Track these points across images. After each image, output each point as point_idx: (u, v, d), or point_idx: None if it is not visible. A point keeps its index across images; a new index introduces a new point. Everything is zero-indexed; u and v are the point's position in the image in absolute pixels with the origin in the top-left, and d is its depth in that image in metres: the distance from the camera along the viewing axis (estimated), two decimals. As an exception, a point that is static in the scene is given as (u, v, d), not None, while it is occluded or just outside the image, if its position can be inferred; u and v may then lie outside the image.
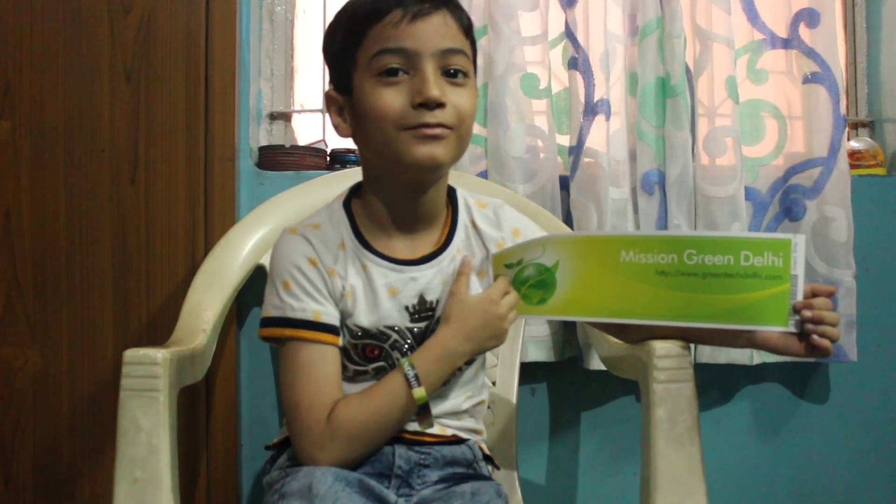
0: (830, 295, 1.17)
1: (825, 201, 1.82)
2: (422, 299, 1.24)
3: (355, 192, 1.29)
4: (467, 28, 1.20)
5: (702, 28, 1.82)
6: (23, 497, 1.70)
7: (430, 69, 1.13)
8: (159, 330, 1.69)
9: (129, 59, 1.72)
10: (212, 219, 1.73)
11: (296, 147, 1.91)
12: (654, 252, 1.19)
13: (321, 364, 1.19)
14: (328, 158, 1.92)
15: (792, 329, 1.16)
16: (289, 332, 1.19)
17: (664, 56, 1.81)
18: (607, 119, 1.78)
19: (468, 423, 1.30)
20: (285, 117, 2.02)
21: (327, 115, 2.00)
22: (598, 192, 1.76)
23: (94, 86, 1.72)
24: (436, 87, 1.12)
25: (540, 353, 1.78)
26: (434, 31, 1.14)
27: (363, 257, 1.23)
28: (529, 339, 1.76)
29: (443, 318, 1.21)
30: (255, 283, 1.70)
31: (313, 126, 2.05)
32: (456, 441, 1.27)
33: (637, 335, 1.29)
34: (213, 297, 1.59)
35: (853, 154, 1.93)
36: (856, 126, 2.07)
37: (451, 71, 1.15)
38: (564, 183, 1.83)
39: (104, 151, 1.72)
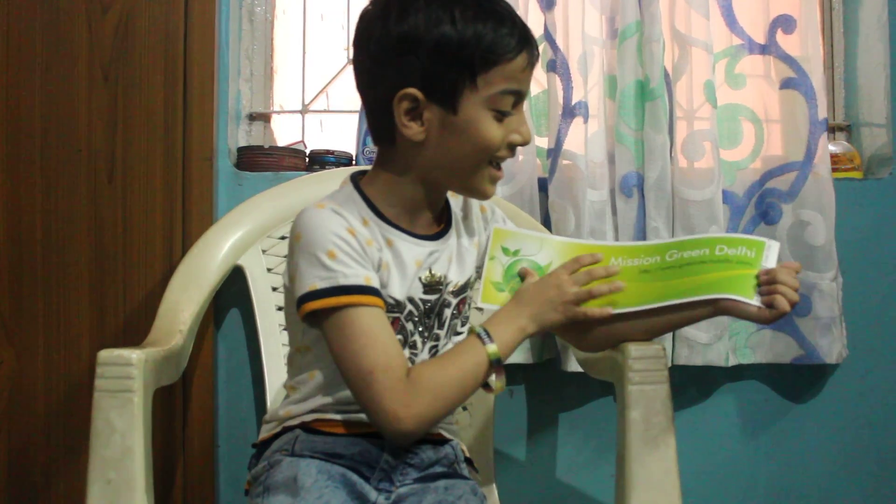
0: (797, 271, 1.21)
1: (801, 205, 1.83)
2: (431, 272, 1.25)
3: (358, 179, 1.29)
4: None
5: (681, 33, 1.83)
6: (-3, 499, 1.69)
7: (523, 114, 1.22)
8: (136, 330, 1.68)
9: (107, 58, 1.72)
10: (189, 219, 1.73)
11: (275, 148, 1.91)
12: (640, 257, 1.26)
13: (384, 327, 1.16)
14: (307, 159, 1.92)
15: (757, 302, 1.18)
16: (345, 299, 1.15)
17: (643, 60, 1.81)
18: (585, 121, 1.78)
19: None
20: (264, 118, 2.02)
21: (305, 116, 2.00)
22: (576, 194, 1.76)
23: (72, 85, 1.71)
24: (528, 126, 1.23)
25: (518, 354, 1.77)
26: (531, 79, 1.24)
27: (388, 233, 1.23)
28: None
29: (516, 295, 1.25)
30: (233, 284, 1.70)
31: (292, 127, 2.05)
32: (441, 441, 1.28)
33: (595, 343, 1.33)
34: (191, 298, 1.59)
35: (830, 158, 1.94)
36: (833, 130, 2.08)
37: None
38: (543, 185, 1.83)
39: (81, 151, 1.71)
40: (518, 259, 1.27)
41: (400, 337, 1.23)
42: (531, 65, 1.20)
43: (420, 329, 1.25)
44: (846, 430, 1.94)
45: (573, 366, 1.74)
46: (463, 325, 1.33)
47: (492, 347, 1.17)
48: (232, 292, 1.76)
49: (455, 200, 1.34)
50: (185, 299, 1.58)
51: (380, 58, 1.19)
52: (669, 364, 1.76)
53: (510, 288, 1.27)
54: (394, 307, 1.22)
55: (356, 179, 1.28)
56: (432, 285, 1.25)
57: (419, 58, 1.15)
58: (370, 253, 1.19)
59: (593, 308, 1.23)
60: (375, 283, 1.18)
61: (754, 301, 1.18)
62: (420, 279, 1.24)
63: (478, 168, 1.21)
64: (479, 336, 1.18)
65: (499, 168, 1.23)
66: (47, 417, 1.70)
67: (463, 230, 1.33)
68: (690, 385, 1.90)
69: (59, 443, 1.70)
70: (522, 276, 1.28)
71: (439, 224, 1.29)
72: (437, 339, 1.28)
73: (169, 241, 1.72)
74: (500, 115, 1.18)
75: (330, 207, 1.21)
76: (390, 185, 1.25)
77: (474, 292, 1.32)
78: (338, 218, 1.19)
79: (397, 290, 1.22)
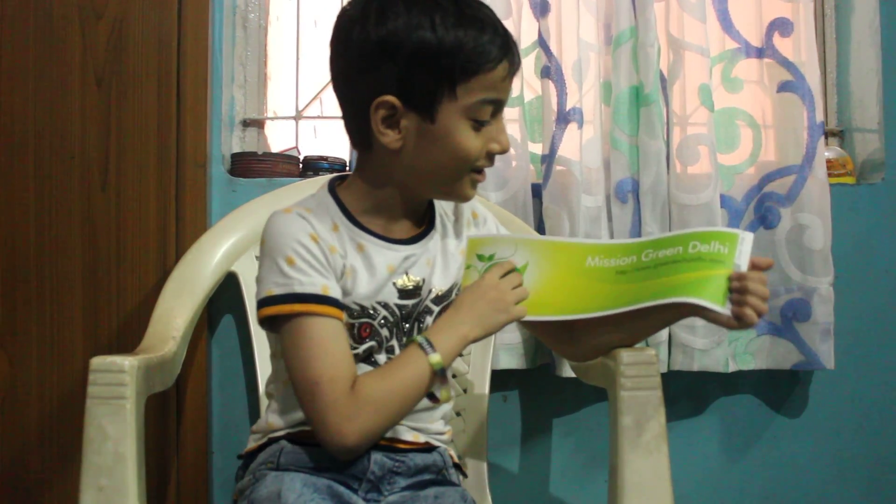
0: (768, 267, 1.18)
1: (799, 209, 1.83)
2: (408, 276, 1.25)
3: (335, 183, 1.29)
4: None
5: (675, 38, 1.83)
6: (-10, 505, 1.69)
7: (502, 122, 1.22)
8: (130, 337, 1.68)
9: (101, 64, 1.71)
10: (183, 226, 1.73)
11: (268, 154, 1.91)
12: (616, 257, 1.24)
13: (336, 338, 1.16)
14: (301, 165, 1.92)
15: (727, 311, 1.16)
16: (298, 307, 1.15)
17: (638, 65, 1.82)
18: (580, 127, 1.79)
19: (437, 425, 1.30)
20: (258, 124, 2.02)
21: (299, 123, 2.00)
22: (571, 200, 1.76)
23: (65, 91, 1.71)
24: (506, 135, 1.22)
25: (511, 360, 1.78)
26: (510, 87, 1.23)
27: (359, 237, 1.23)
28: (501, 346, 1.76)
29: (453, 303, 1.23)
30: (227, 291, 1.70)
31: (286, 133, 2.05)
32: (428, 449, 1.27)
33: (583, 352, 1.34)
34: (184, 304, 1.59)
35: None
36: (826, 135, 2.09)
37: None
38: (537, 191, 1.83)
39: (74, 158, 1.71)
40: (493, 263, 1.26)
41: (373, 342, 1.23)
42: (512, 74, 1.20)
43: (397, 334, 1.25)
44: (840, 436, 1.94)
45: (566, 371, 1.74)
46: None
47: (434, 357, 1.15)
48: (225, 299, 1.76)
49: (446, 203, 1.34)
50: (178, 306, 1.58)
51: (358, 63, 1.18)
52: (665, 370, 1.78)
53: None
54: (360, 313, 1.22)
55: (333, 184, 1.28)
56: (409, 290, 1.25)
57: (397, 64, 1.15)
58: (332, 260, 1.19)
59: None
60: (334, 293, 1.18)
61: (724, 309, 1.15)
62: (395, 284, 1.24)
63: (458, 176, 1.21)
64: (420, 346, 1.16)
65: (480, 172, 1.23)
66: (40, 424, 1.69)
67: (451, 233, 1.32)
68: (684, 392, 1.90)
69: (52, 449, 1.69)
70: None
71: (420, 227, 1.29)
72: None
73: (162, 248, 1.72)
74: (478, 125, 1.18)
75: (296, 212, 1.21)
76: (366, 191, 1.25)
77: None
78: (302, 223, 1.19)
79: (364, 296, 1.22)
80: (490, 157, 1.22)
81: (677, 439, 1.27)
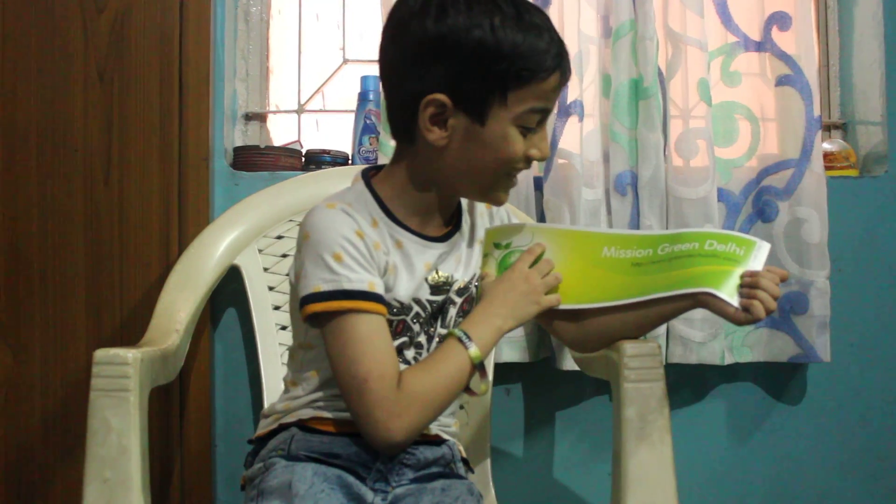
0: (783, 279, 1.19)
1: (797, 203, 1.83)
2: (439, 274, 1.26)
3: (369, 177, 1.28)
4: None
5: (674, 31, 1.83)
6: (-6, 499, 1.70)
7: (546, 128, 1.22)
8: (133, 330, 1.68)
9: (103, 58, 1.72)
10: (186, 219, 1.73)
11: (271, 148, 1.91)
12: (633, 248, 1.25)
13: (382, 335, 1.16)
14: (303, 159, 1.92)
15: (735, 303, 1.17)
16: (347, 304, 1.14)
17: (637, 58, 1.82)
18: (580, 120, 1.79)
19: (447, 419, 1.31)
20: (260, 118, 2.02)
21: (301, 116, 2.00)
22: (572, 193, 1.77)
23: (67, 85, 1.71)
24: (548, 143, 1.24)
25: (514, 353, 1.78)
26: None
27: (397, 234, 1.23)
28: (504, 339, 1.75)
29: (484, 295, 1.25)
30: (230, 284, 1.70)
31: (288, 127, 2.05)
32: (437, 441, 1.27)
33: (589, 343, 1.35)
34: (187, 298, 1.59)
35: (826, 156, 1.94)
36: (828, 128, 2.09)
37: None
38: (538, 184, 1.84)
39: (77, 151, 1.71)
40: (511, 251, 1.27)
41: (405, 338, 1.23)
42: (563, 83, 1.20)
43: (425, 328, 1.25)
44: (842, 429, 1.94)
45: (569, 364, 1.74)
46: None
47: (474, 350, 1.17)
48: (228, 292, 1.76)
49: (463, 200, 1.34)
50: (181, 299, 1.58)
51: (412, 56, 1.17)
52: (665, 362, 1.78)
53: None
54: (399, 310, 1.22)
55: (367, 177, 1.27)
56: (440, 286, 1.25)
57: (452, 63, 1.13)
58: (377, 257, 1.19)
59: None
60: (379, 290, 1.17)
61: (733, 301, 1.17)
62: (427, 281, 1.24)
63: (495, 178, 1.21)
64: (459, 340, 1.18)
65: (513, 177, 1.24)
66: (44, 417, 1.70)
67: (468, 230, 1.33)
68: (684, 384, 1.91)
69: (56, 442, 1.70)
70: (481, 277, 1.29)
71: (448, 225, 1.29)
72: (441, 337, 1.27)
73: (165, 241, 1.72)
74: (525, 131, 1.18)
75: (340, 207, 1.19)
76: (404, 186, 1.24)
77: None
78: (347, 219, 1.18)
79: (403, 293, 1.22)
80: (528, 162, 1.21)
81: (677, 430, 1.27)
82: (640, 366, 1.25)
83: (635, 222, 1.82)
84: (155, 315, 1.56)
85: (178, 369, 1.55)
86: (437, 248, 1.25)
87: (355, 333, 1.14)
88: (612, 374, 1.30)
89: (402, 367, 1.18)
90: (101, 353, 1.23)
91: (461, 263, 1.29)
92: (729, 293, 1.17)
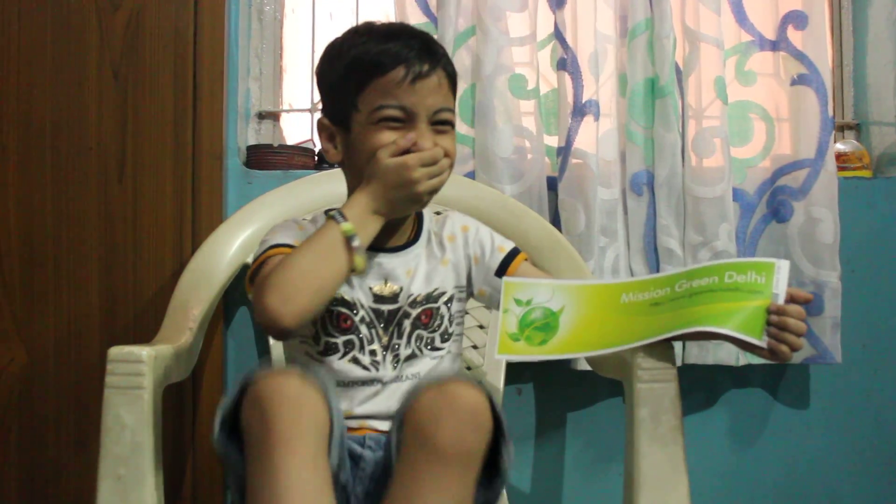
0: (807, 302, 1.20)
1: (812, 203, 1.83)
2: (385, 285, 1.32)
3: None
4: (455, 81, 1.33)
5: (691, 29, 1.82)
6: (8, 494, 1.70)
7: (423, 126, 1.25)
8: (146, 328, 1.68)
9: (117, 57, 1.72)
10: (199, 218, 1.73)
11: (284, 146, 1.91)
12: (650, 290, 1.26)
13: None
14: (316, 158, 1.92)
15: (763, 344, 1.17)
16: (271, 252, 1.25)
17: (654, 57, 1.81)
18: (596, 120, 1.78)
19: None
20: (274, 116, 2.02)
21: (314, 115, 2.00)
22: (587, 192, 1.76)
23: (82, 83, 1.72)
24: (428, 139, 1.24)
25: (526, 352, 1.78)
26: (429, 92, 1.25)
27: None
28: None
29: (364, 177, 1.26)
30: (242, 282, 1.70)
31: (302, 125, 2.06)
32: None
33: (610, 364, 1.40)
34: (200, 296, 1.59)
35: (839, 156, 1.94)
36: (842, 128, 2.08)
37: (439, 121, 1.27)
38: (552, 184, 1.83)
39: (91, 149, 1.72)
40: (531, 308, 1.27)
41: (352, 336, 1.30)
42: (409, 78, 1.23)
43: (378, 336, 1.30)
44: (853, 431, 1.94)
45: (581, 364, 1.74)
46: (443, 341, 1.35)
47: (346, 226, 1.20)
48: (241, 290, 1.76)
49: (431, 216, 1.40)
50: (194, 297, 1.58)
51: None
52: (680, 363, 1.78)
53: (525, 336, 1.27)
54: (340, 302, 1.30)
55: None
56: (384, 297, 1.31)
57: (322, 90, 1.33)
58: (308, 231, 1.29)
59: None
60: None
61: (761, 342, 1.17)
62: (371, 289, 1.31)
63: None
64: (333, 217, 1.21)
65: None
66: (58, 414, 1.70)
67: (435, 245, 1.38)
68: (697, 386, 1.90)
69: (70, 439, 1.70)
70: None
71: (403, 238, 1.35)
72: (397, 348, 1.31)
73: (178, 239, 1.72)
74: (389, 124, 1.23)
75: (293, 219, 1.37)
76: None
77: (490, 344, 1.40)
78: (294, 224, 1.34)
79: (343, 287, 1.29)
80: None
81: (689, 433, 1.27)
82: (653, 366, 1.24)
83: (652, 222, 1.82)
84: (168, 313, 1.57)
85: (192, 367, 1.56)
86: (380, 258, 1.32)
87: (270, 265, 1.22)
88: (625, 374, 1.30)
89: (355, 369, 1.29)
90: (115, 351, 1.24)
91: (416, 276, 1.34)
92: (755, 333, 1.17)
